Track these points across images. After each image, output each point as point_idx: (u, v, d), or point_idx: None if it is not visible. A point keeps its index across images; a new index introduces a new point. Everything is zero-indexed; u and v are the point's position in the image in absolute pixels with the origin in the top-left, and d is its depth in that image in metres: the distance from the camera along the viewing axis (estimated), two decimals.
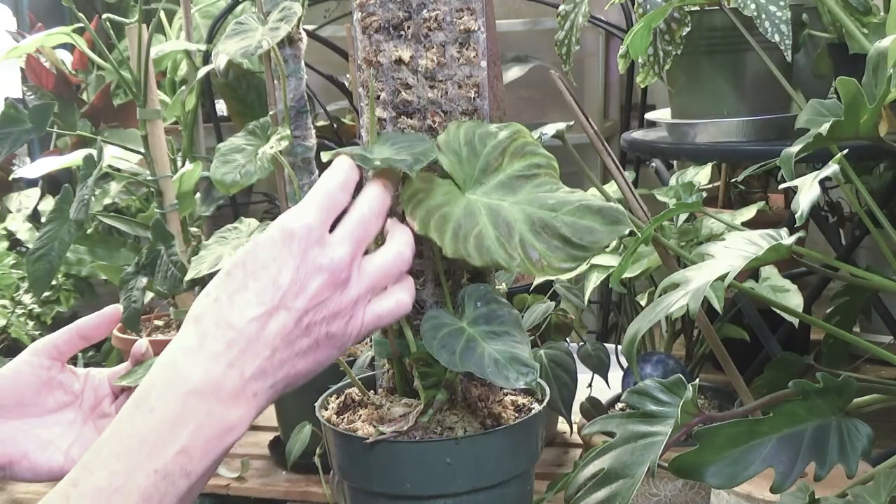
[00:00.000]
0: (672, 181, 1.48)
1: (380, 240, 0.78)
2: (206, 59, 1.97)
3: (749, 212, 1.38)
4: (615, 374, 1.36)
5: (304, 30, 1.44)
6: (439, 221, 0.78)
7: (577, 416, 1.31)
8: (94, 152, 1.59)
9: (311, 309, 0.68)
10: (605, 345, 1.38)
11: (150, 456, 0.62)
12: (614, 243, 1.33)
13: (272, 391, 0.68)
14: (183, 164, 1.83)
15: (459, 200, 0.80)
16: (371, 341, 1.01)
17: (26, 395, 0.87)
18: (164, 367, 0.65)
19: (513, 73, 2.20)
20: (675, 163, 1.91)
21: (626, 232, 0.80)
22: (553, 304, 1.37)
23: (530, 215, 0.79)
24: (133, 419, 0.64)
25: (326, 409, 0.95)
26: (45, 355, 0.88)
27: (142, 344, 0.92)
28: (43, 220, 1.82)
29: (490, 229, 0.78)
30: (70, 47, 2.13)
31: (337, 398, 0.97)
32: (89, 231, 2.04)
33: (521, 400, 0.94)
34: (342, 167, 0.74)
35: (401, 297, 0.74)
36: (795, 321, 1.31)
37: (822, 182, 0.82)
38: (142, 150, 1.71)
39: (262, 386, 0.67)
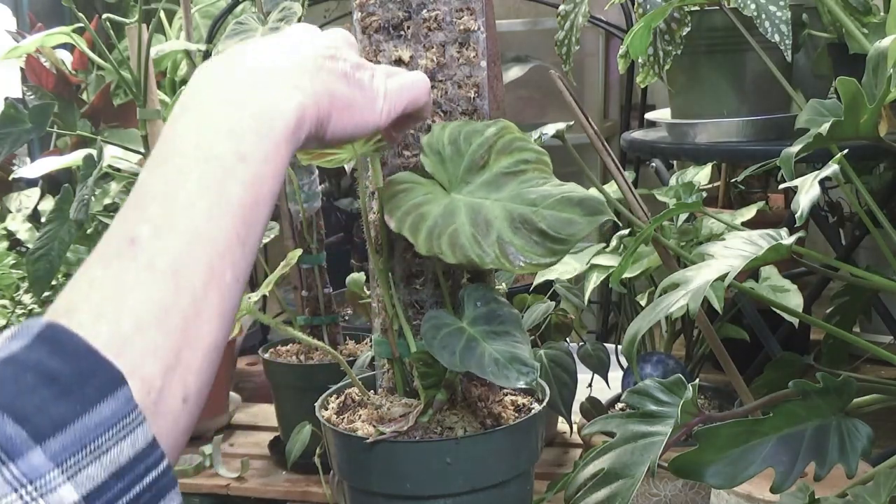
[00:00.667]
0: (672, 181, 1.48)
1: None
2: (206, 58, 1.97)
3: (749, 212, 1.38)
4: (615, 374, 1.36)
5: None
6: (415, 220, 0.77)
7: (577, 416, 1.31)
8: (94, 152, 1.59)
9: (332, 47, 0.64)
10: (605, 345, 1.38)
11: (196, 147, 0.53)
12: (614, 243, 1.33)
13: (313, 96, 0.60)
14: None
15: (441, 200, 0.80)
16: (371, 341, 1.01)
17: None
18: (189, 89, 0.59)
19: (513, 73, 2.20)
20: (675, 163, 1.91)
21: (606, 220, 0.80)
22: (553, 304, 1.37)
23: (511, 212, 0.78)
24: (174, 126, 0.56)
25: (326, 409, 0.95)
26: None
27: None
28: (43, 220, 1.82)
29: (466, 227, 0.77)
30: (70, 47, 2.13)
31: (337, 398, 0.97)
32: (89, 231, 2.04)
33: (521, 400, 0.94)
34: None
35: (417, 77, 0.71)
36: (795, 321, 1.31)
37: (822, 182, 0.82)
38: (142, 150, 1.71)
39: (302, 80, 0.60)
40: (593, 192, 0.81)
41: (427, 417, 0.85)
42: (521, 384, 0.77)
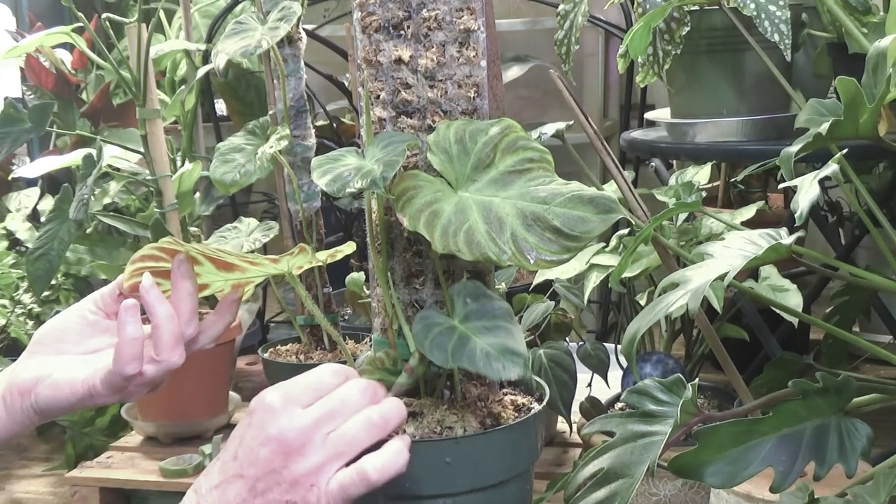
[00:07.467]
0: (671, 181, 1.48)
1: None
2: (206, 58, 1.97)
3: (748, 211, 1.38)
4: (615, 374, 1.36)
5: (304, 29, 1.44)
6: (429, 218, 0.78)
7: (576, 415, 1.31)
8: (94, 152, 1.59)
9: (263, 477, 0.71)
10: (605, 344, 1.38)
11: None
12: (614, 243, 1.33)
13: None
14: (182, 164, 1.83)
15: (451, 198, 0.80)
16: (371, 341, 1.01)
17: (68, 334, 0.88)
18: None
19: (512, 72, 2.20)
20: (674, 162, 1.91)
21: (618, 219, 0.80)
22: (553, 303, 1.37)
23: (522, 209, 0.79)
24: None
25: None
26: (91, 302, 0.90)
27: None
28: (42, 219, 1.82)
29: (480, 224, 0.78)
30: (70, 47, 2.13)
31: None
32: (89, 230, 2.04)
33: (520, 399, 0.94)
34: (333, 372, 0.77)
35: (367, 468, 0.72)
36: (795, 321, 1.31)
37: (821, 182, 0.82)
38: (141, 149, 1.71)
39: None
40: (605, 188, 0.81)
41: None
42: (513, 375, 0.77)
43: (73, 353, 0.88)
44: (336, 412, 0.74)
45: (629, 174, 2.04)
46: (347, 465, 0.73)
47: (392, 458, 0.73)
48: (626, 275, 1.25)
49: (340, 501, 0.72)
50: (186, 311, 0.83)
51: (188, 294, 0.83)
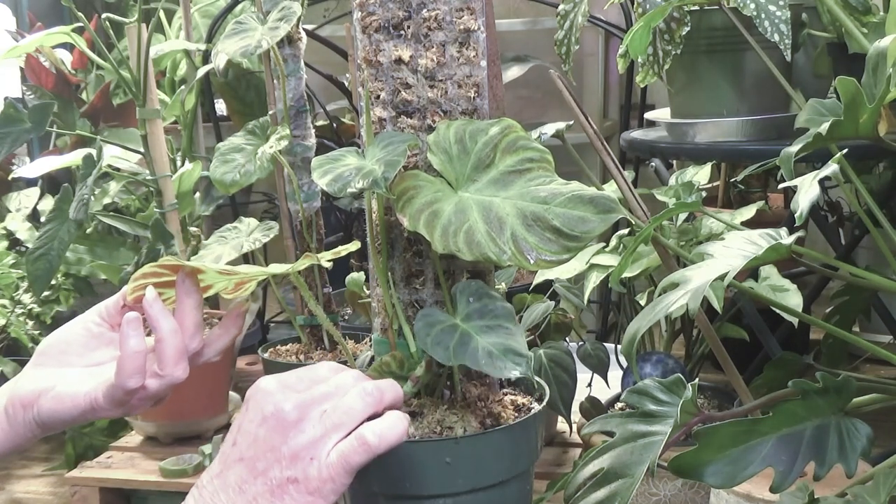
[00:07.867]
0: (671, 181, 1.48)
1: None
2: (206, 58, 1.97)
3: (748, 211, 1.38)
4: (615, 374, 1.36)
5: (304, 29, 1.44)
6: (429, 218, 0.78)
7: (576, 415, 1.31)
8: (94, 152, 1.59)
9: (262, 456, 0.71)
10: (605, 344, 1.38)
11: None
12: (614, 243, 1.33)
13: None
14: (182, 164, 1.83)
15: (451, 198, 0.80)
16: (371, 341, 1.01)
17: (72, 346, 0.88)
18: None
19: (512, 72, 2.20)
20: (674, 162, 1.91)
21: (618, 219, 0.80)
22: (553, 303, 1.37)
23: (522, 209, 0.79)
24: None
25: None
26: (95, 314, 0.90)
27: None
28: (42, 219, 1.82)
29: (480, 224, 0.78)
30: (70, 47, 2.13)
31: None
32: (89, 230, 2.04)
33: (520, 399, 0.94)
34: (329, 367, 0.78)
35: (366, 433, 0.72)
36: (795, 321, 1.31)
37: (821, 182, 0.82)
38: (141, 149, 1.71)
39: None
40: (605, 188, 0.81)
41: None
42: (516, 374, 0.77)
43: (77, 366, 0.87)
44: (331, 393, 0.74)
45: (629, 174, 2.04)
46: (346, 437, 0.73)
47: (392, 423, 0.72)
48: (626, 275, 1.25)
49: (343, 472, 0.71)
50: (191, 325, 0.83)
51: (192, 308, 0.83)
